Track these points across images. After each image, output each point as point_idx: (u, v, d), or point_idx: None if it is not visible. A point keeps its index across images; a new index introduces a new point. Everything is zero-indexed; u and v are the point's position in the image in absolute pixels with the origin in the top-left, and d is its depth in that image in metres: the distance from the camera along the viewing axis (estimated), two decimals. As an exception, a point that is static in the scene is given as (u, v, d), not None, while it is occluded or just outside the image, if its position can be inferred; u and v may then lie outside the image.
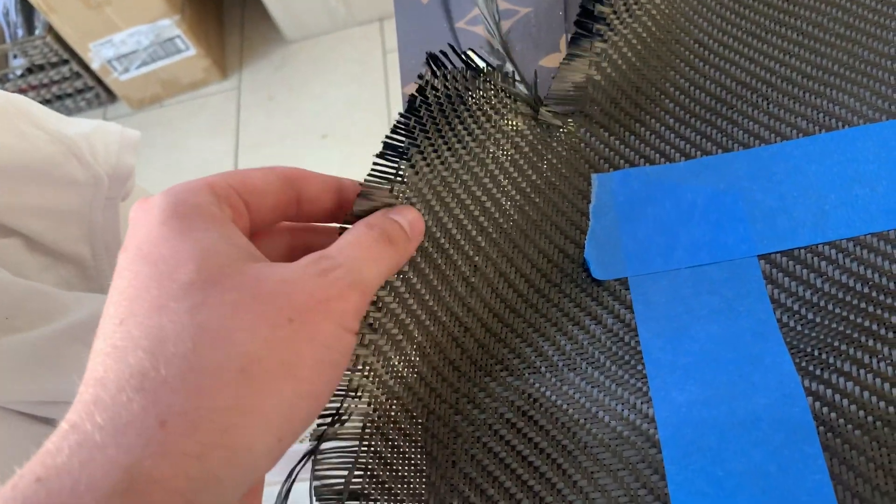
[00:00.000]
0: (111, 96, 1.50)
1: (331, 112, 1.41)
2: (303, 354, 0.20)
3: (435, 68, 0.29)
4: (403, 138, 0.27)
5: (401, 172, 0.27)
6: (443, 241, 0.29)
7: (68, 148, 0.44)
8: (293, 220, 0.26)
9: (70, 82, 1.43)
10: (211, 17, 1.50)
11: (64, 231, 0.46)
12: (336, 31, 1.49)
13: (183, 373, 0.18)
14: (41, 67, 1.39)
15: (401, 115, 0.27)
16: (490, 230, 0.30)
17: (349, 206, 0.26)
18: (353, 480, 0.26)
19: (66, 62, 1.39)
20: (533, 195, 0.31)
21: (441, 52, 0.29)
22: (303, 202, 0.25)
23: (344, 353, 0.21)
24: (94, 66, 1.38)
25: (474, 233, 0.30)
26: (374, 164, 0.28)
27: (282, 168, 0.25)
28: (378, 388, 0.27)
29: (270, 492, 0.30)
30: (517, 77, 0.32)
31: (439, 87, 0.28)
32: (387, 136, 0.27)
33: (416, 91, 0.28)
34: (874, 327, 0.26)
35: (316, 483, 0.26)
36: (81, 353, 0.40)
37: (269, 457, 0.20)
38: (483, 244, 0.30)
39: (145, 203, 0.22)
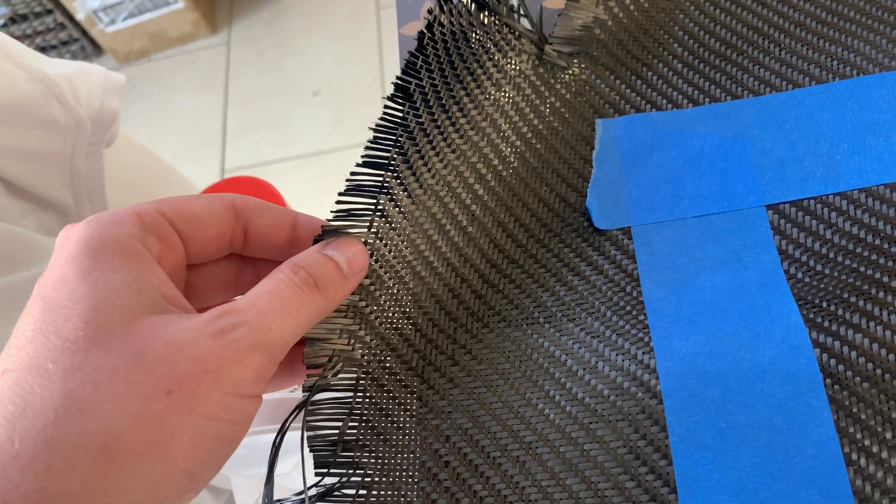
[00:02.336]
0: (97, 49, 1.46)
1: (322, 69, 1.38)
2: (178, 432, 0.18)
3: (442, 3, 0.27)
4: (412, 80, 0.26)
5: (407, 121, 0.26)
6: (439, 188, 0.28)
7: (48, 88, 0.42)
8: (240, 253, 0.24)
9: (54, 33, 1.39)
10: (200, -32, 1.45)
11: (44, 175, 0.45)
12: (329, -14, 1.45)
13: (37, 448, 0.17)
14: (24, 17, 1.35)
15: (410, 53, 0.26)
16: (489, 178, 0.29)
17: (302, 245, 0.23)
18: (348, 431, 0.25)
19: (49, 12, 1.35)
20: (534, 141, 0.30)
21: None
22: (250, 236, 0.23)
23: (236, 421, 0.19)
24: (79, 16, 1.35)
25: (472, 180, 0.28)
26: (386, 107, 0.26)
27: (231, 197, 0.23)
28: (372, 339, 0.26)
29: (266, 440, 0.29)
30: (522, 11, 0.31)
31: (445, 23, 0.27)
32: (398, 77, 0.26)
33: (426, 27, 0.27)
34: (885, 279, 0.25)
35: (309, 433, 0.25)
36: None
37: None
38: (481, 192, 0.28)
39: (69, 230, 0.20)
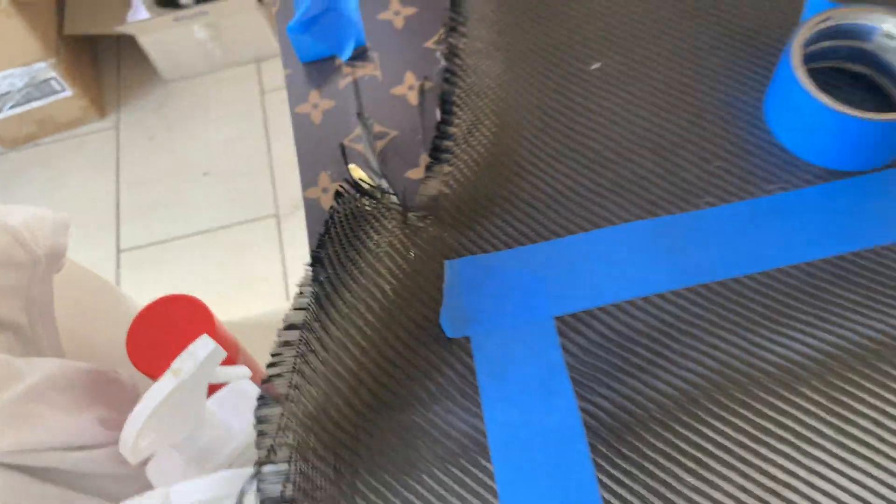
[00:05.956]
0: (-19, 135, 1.49)
1: (211, 150, 1.48)
2: None
3: (339, 196, 0.41)
4: (322, 249, 0.40)
5: (320, 278, 0.39)
6: (337, 317, 0.41)
7: (13, 237, 0.52)
8: None
9: (-64, 122, 1.41)
10: (86, 58, 1.52)
11: (5, 303, 0.54)
12: (214, 72, 1.55)
13: None
14: None
15: (320, 235, 0.40)
16: (374, 306, 0.42)
17: None
18: (285, 494, 0.38)
19: (-68, 103, 1.37)
20: (404, 279, 0.44)
21: (342, 183, 0.42)
22: None
23: None
24: (-36, 107, 1.38)
25: (361, 308, 0.42)
26: (309, 265, 0.39)
27: None
28: (299, 428, 0.39)
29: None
30: (390, 190, 0.45)
31: (340, 210, 0.41)
32: (313, 251, 0.40)
33: (328, 217, 0.40)
34: (622, 365, 0.40)
35: (260, 496, 0.38)
36: (41, 412, 0.48)
37: None
38: (369, 317, 0.42)
39: None
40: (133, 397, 0.58)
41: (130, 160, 1.47)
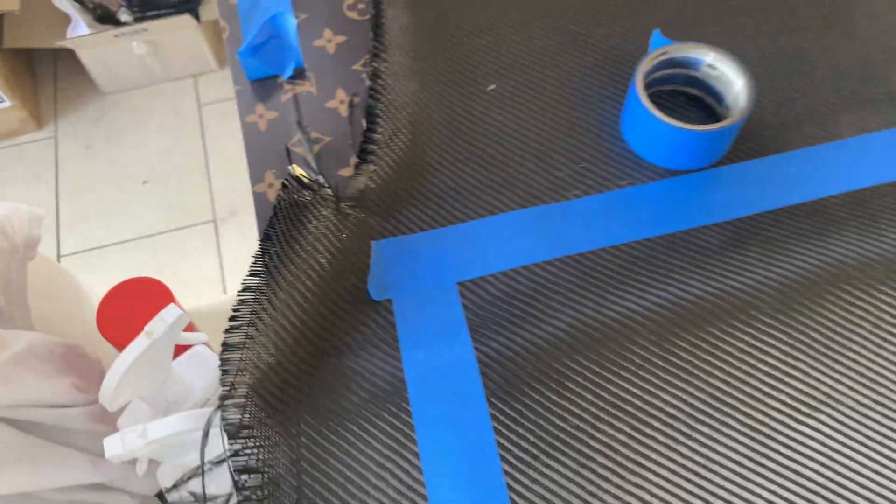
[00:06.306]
0: (-86, 144, 1.51)
1: (150, 160, 1.55)
2: None
3: (285, 187, 0.52)
4: (272, 229, 0.50)
5: (270, 252, 0.50)
6: (283, 283, 0.51)
7: (-2, 227, 0.60)
8: None
9: None
10: (24, 70, 1.56)
11: (-13, 286, 0.62)
12: (152, 86, 1.62)
13: None
14: None
15: (269, 218, 0.50)
16: (313, 276, 0.53)
17: None
18: (244, 419, 0.48)
19: None
20: (338, 255, 0.55)
21: (287, 178, 0.52)
22: None
23: None
24: None
25: (303, 277, 0.52)
26: (261, 244, 0.50)
27: None
28: (255, 370, 0.49)
29: (195, 435, 0.51)
30: (326, 184, 0.56)
31: (286, 199, 0.51)
32: (264, 231, 0.50)
33: (276, 203, 0.51)
34: (509, 318, 0.52)
35: (224, 423, 0.48)
36: (25, 375, 0.57)
37: None
38: (310, 284, 0.53)
39: None
40: (98, 370, 0.67)
41: (69, 169, 1.52)
